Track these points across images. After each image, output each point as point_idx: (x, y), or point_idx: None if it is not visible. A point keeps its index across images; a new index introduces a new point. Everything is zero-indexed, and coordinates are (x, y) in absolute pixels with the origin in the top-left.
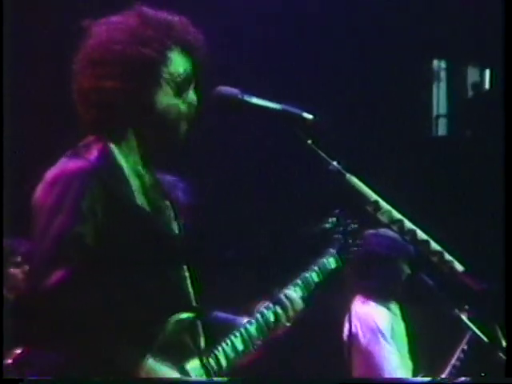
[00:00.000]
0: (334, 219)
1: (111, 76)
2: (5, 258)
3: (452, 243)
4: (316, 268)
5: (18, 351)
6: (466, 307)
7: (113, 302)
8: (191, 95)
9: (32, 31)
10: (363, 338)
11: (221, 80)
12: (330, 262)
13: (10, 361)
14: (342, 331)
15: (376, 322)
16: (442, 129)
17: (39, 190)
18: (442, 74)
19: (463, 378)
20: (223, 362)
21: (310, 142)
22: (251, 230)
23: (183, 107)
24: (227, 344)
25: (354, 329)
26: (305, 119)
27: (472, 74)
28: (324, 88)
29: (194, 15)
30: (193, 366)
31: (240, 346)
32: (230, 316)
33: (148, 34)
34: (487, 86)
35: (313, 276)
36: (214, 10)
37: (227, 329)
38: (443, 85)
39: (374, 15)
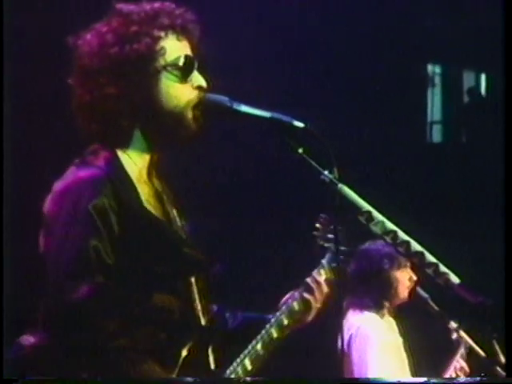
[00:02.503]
0: (321, 226)
1: (112, 82)
2: None
3: (448, 254)
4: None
5: None
6: (460, 321)
7: (131, 317)
8: (197, 78)
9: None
10: (357, 346)
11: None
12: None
13: None
14: (335, 341)
15: (370, 331)
16: (436, 135)
17: (50, 201)
18: (437, 80)
19: (464, 378)
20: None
21: (301, 150)
22: (240, 239)
23: (191, 92)
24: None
25: (347, 337)
26: (295, 127)
27: (468, 80)
28: (316, 94)
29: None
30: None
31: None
32: (254, 315)
33: (133, 30)
34: (483, 91)
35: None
36: (202, 13)
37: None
38: (438, 90)
39: (368, 20)
